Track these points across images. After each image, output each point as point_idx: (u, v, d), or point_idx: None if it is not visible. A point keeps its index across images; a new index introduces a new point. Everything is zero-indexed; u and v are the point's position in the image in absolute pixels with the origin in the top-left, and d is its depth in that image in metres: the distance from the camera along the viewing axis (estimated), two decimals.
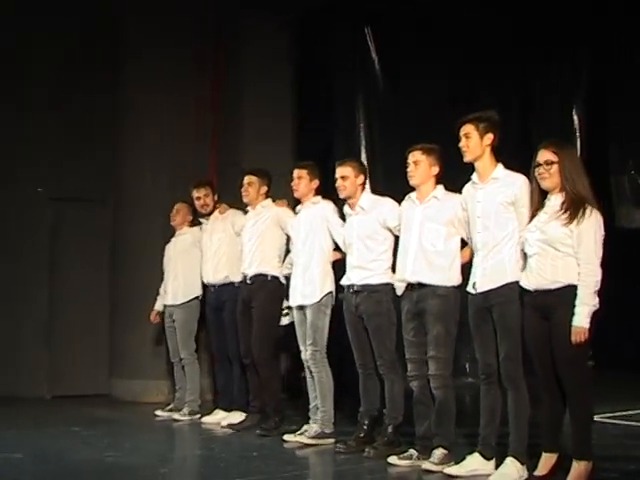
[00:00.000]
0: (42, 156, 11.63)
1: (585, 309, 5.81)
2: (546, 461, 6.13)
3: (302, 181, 8.24)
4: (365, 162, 11.95)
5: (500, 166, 6.52)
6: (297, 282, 8.16)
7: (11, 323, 11.51)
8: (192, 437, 9.04)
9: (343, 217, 7.97)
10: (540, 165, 6.05)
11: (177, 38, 11.33)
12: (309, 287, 8.04)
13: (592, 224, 5.89)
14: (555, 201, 6.02)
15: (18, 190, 11.58)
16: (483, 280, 6.40)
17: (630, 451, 7.45)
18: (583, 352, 5.90)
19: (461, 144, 6.54)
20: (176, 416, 9.65)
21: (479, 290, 6.41)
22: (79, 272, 11.72)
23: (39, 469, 6.94)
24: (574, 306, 5.82)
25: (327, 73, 12.54)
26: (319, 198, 8.24)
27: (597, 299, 5.86)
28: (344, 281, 7.69)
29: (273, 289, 8.64)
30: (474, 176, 6.60)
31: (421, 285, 6.86)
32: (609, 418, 8.89)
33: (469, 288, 6.51)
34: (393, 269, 7.36)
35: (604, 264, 5.92)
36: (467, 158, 6.54)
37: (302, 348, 8.16)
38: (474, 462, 6.47)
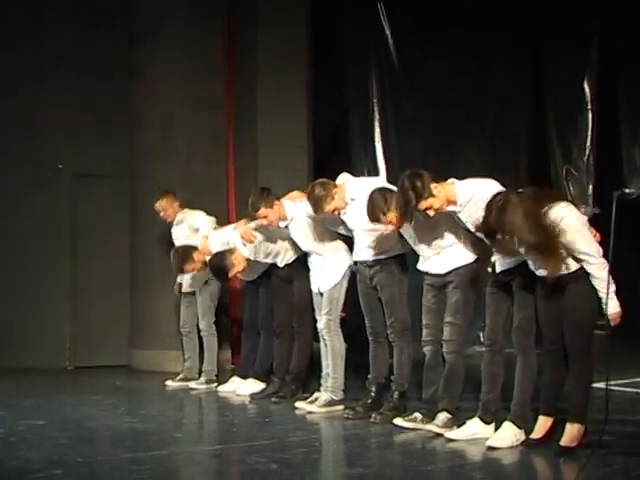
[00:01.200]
0: (61, 134, 11.88)
1: (611, 298, 6.07)
2: (542, 424, 6.40)
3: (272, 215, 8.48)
4: (379, 135, 12.23)
5: (456, 185, 6.76)
6: (314, 272, 8.45)
7: (33, 296, 11.78)
8: (207, 404, 9.31)
9: None
10: None
11: (190, 20, 11.55)
12: (326, 276, 8.33)
13: (569, 222, 6.04)
14: None
15: (39, 166, 11.84)
16: (503, 262, 6.60)
17: (630, 416, 7.68)
18: (590, 321, 6.16)
19: (431, 214, 6.75)
20: (192, 385, 9.90)
21: (498, 270, 6.66)
22: (99, 246, 11.96)
23: (59, 435, 7.17)
24: (586, 280, 6.08)
25: (341, 50, 12.69)
26: (292, 211, 8.45)
27: (613, 282, 6.07)
28: (355, 257, 7.94)
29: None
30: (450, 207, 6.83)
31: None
32: (617, 386, 9.04)
33: (489, 268, 6.77)
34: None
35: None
36: (443, 209, 6.77)
37: (318, 317, 8.42)
38: (474, 426, 6.72)
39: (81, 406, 8.66)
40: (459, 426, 6.84)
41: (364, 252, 7.79)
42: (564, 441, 6.18)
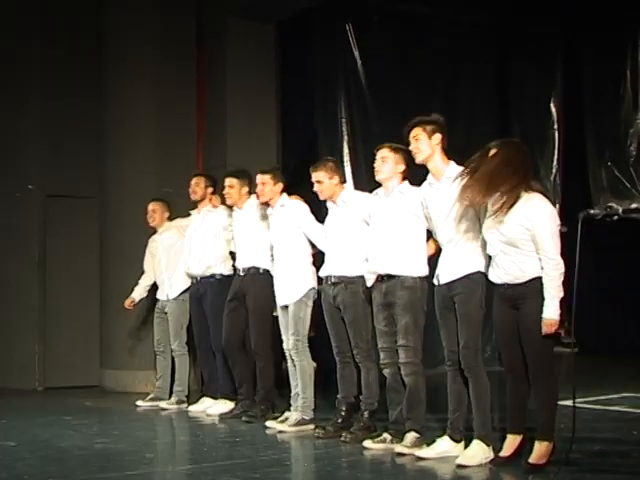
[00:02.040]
0: (32, 155, 11.91)
1: (554, 302, 6.12)
2: (510, 442, 6.45)
3: (266, 186, 8.53)
4: (348, 156, 12.28)
5: (452, 164, 6.82)
6: (278, 283, 8.49)
7: (2, 316, 11.80)
8: (178, 424, 9.30)
9: (315, 213, 8.31)
10: None
11: (161, 38, 11.60)
12: (290, 288, 8.33)
13: (542, 217, 6.15)
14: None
15: (9, 187, 11.86)
16: (446, 272, 6.71)
17: (597, 433, 7.75)
18: (550, 340, 6.20)
19: (411, 147, 6.86)
20: (163, 405, 9.92)
21: (442, 282, 6.73)
22: (69, 266, 11.96)
23: (31, 455, 7.18)
24: (542, 296, 6.14)
25: (309, 71, 12.75)
26: (285, 199, 8.53)
27: (562, 290, 6.15)
28: (322, 272, 7.98)
29: (265, 282, 8.82)
30: (430, 177, 6.91)
31: (390, 277, 7.14)
32: (585, 403, 9.15)
33: (434, 280, 6.84)
34: None
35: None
36: (418, 159, 6.85)
37: (284, 338, 8.45)
38: (444, 444, 6.79)
39: (52, 426, 8.65)
40: (429, 444, 6.90)
41: (333, 265, 7.82)
42: (533, 458, 6.22)
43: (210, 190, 9.76)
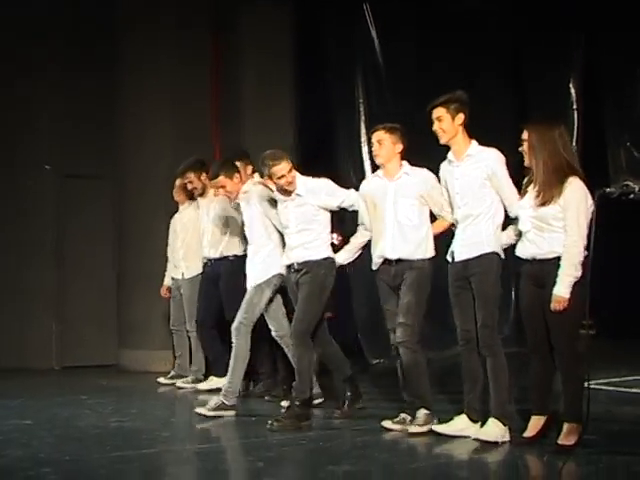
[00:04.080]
0: (48, 135, 11.91)
1: (566, 279, 6.09)
2: (535, 423, 6.42)
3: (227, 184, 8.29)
4: (365, 137, 12.21)
5: (474, 143, 6.78)
6: (247, 265, 8.28)
7: (20, 295, 11.80)
8: (195, 403, 9.26)
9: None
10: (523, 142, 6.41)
11: (176, 21, 11.55)
12: (254, 272, 8.15)
13: (575, 196, 6.15)
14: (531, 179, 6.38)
15: (26, 167, 11.86)
16: (462, 250, 6.69)
17: (615, 415, 7.74)
18: (576, 319, 6.18)
19: (435, 127, 6.76)
20: (179, 384, 9.93)
21: (457, 259, 6.71)
22: (87, 246, 12.00)
23: (47, 434, 7.19)
24: None
25: (326, 52, 12.70)
26: (250, 185, 8.34)
27: (580, 270, 6.12)
28: (284, 260, 7.80)
29: None
30: (450, 155, 6.84)
31: (400, 260, 7.10)
32: (603, 385, 9.12)
33: (448, 257, 6.80)
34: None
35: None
36: (442, 140, 6.78)
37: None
38: (461, 422, 6.77)
39: (69, 406, 8.67)
40: (446, 421, 6.88)
41: (294, 253, 7.61)
42: (561, 439, 6.19)
43: (204, 176, 9.61)
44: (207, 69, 11.83)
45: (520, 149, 6.41)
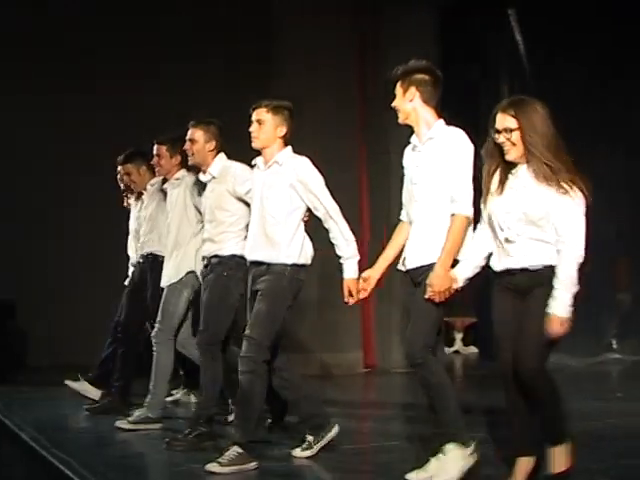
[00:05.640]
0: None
1: (566, 295, 4.91)
2: (522, 467, 5.18)
3: (162, 159, 7.55)
4: None
5: (440, 122, 5.58)
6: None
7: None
8: None
9: None
10: (499, 132, 5.06)
11: (319, 24, 11.46)
12: (169, 269, 7.38)
13: (576, 200, 4.92)
14: (523, 173, 5.04)
15: None
16: (413, 256, 5.50)
17: None
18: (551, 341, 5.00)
19: (393, 103, 5.65)
20: None
21: (408, 267, 5.52)
22: None
23: None
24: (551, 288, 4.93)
25: (472, 57, 12.55)
26: (183, 173, 7.46)
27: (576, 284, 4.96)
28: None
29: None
30: (413, 137, 5.65)
31: (259, 263, 6.07)
32: None
33: (399, 265, 5.63)
34: None
35: None
36: (400, 119, 5.65)
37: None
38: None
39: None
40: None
41: (205, 247, 6.75)
42: (554, 468, 5.07)
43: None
44: (351, 75, 11.81)
45: (500, 141, 5.04)
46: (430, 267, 5.28)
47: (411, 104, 5.55)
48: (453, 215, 5.29)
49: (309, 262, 6.04)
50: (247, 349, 5.83)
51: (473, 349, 14.45)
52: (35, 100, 11.49)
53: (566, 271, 4.89)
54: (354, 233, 6.08)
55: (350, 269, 5.90)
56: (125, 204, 8.82)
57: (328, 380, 10.25)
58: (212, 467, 5.64)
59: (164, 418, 7.38)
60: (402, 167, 5.70)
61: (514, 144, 4.98)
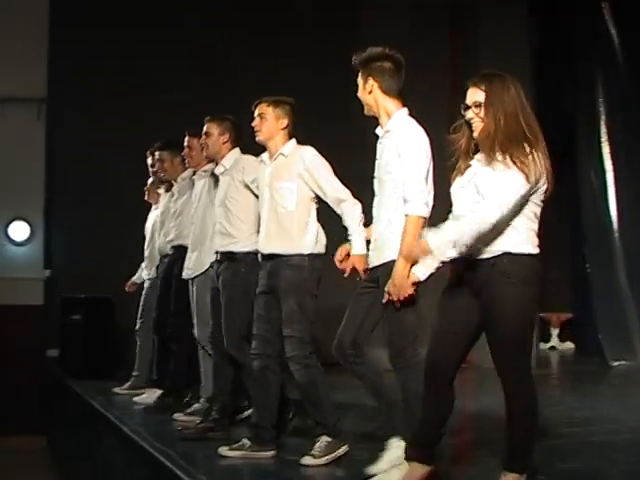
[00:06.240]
0: None
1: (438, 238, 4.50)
2: (412, 473, 4.79)
3: (193, 150, 7.58)
4: (606, 136, 11.85)
5: (400, 113, 5.38)
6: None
7: None
8: None
9: None
10: (469, 108, 4.71)
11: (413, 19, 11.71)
12: (192, 261, 7.43)
13: (515, 178, 4.48)
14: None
15: None
16: (372, 254, 5.41)
17: None
18: (526, 335, 4.60)
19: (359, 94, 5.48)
20: None
21: (370, 265, 5.42)
22: None
23: None
24: (514, 281, 4.49)
25: (563, 51, 12.47)
26: (211, 166, 7.32)
27: (466, 244, 4.51)
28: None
29: None
30: (378, 129, 5.45)
31: (274, 255, 5.99)
32: None
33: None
34: None
35: None
36: (365, 111, 5.48)
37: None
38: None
39: None
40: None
41: (216, 240, 6.79)
42: None
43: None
44: (444, 71, 11.91)
45: (468, 117, 4.70)
46: (385, 266, 5.18)
47: (371, 95, 5.38)
48: (406, 216, 5.11)
49: (323, 251, 5.95)
50: (291, 348, 5.82)
51: (570, 345, 14.34)
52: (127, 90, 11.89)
53: (462, 226, 4.49)
54: None
55: (358, 245, 5.64)
56: (147, 197, 9.15)
57: None
58: (306, 460, 5.68)
59: None
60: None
61: (483, 120, 4.64)
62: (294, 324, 5.81)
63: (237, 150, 6.90)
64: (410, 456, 4.80)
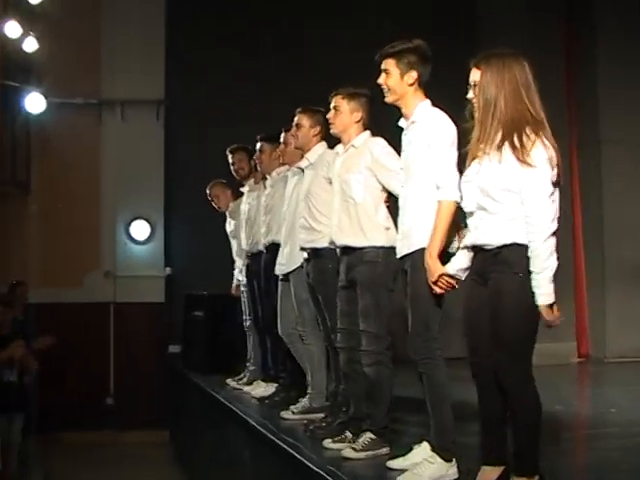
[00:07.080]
0: None
1: (545, 282, 4.39)
2: (486, 476, 4.71)
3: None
4: None
5: (425, 103, 5.36)
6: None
7: None
8: None
9: None
10: (471, 87, 4.65)
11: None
12: (284, 257, 7.33)
13: (537, 162, 4.42)
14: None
15: None
16: (401, 243, 5.36)
17: None
18: (528, 330, 4.47)
19: (380, 80, 5.43)
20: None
21: (398, 255, 5.39)
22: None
23: None
24: (517, 271, 4.43)
25: None
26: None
27: (554, 262, 4.42)
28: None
29: None
30: (402, 120, 5.45)
31: (349, 249, 5.98)
32: None
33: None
34: None
35: None
36: (387, 99, 5.44)
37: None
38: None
39: None
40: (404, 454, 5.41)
41: (302, 236, 6.73)
42: None
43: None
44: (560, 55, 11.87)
45: (469, 96, 4.65)
46: (414, 255, 5.15)
47: (410, 87, 5.33)
48: (440, 202, 5.06)
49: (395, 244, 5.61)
50: (367, 343, 5.80)
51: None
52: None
53: (535, 258, 4.40)
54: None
55: None
56: (217, 203, 9.51)
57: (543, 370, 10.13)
58: (347, 453, 5.73)
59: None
60: None
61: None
62: (370, 319, 5.80)
63: (324, 144, 6.88)
64: (484, 461, 4.71)
